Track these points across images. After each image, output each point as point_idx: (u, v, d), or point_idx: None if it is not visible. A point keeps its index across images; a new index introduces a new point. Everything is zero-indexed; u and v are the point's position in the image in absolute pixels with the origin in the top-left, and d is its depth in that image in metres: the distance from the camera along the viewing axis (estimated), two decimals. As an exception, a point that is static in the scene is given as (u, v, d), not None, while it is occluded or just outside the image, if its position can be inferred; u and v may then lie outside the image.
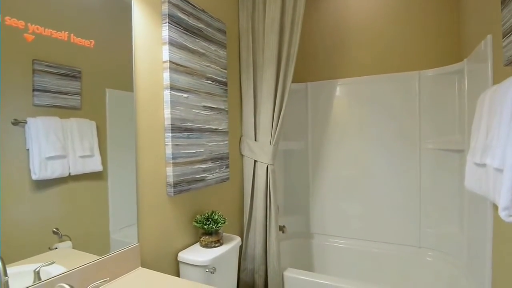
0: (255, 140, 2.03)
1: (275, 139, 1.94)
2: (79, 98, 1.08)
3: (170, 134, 1.43)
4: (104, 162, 1.16)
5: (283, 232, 2.35)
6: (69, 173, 1.05)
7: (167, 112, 1.43)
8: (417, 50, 2.25)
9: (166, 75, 1.43)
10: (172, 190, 1.44)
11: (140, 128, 1.33)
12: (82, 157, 1.09)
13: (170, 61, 1.43)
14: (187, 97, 1.53)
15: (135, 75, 1.30)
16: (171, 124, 1.43)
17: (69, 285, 0.80)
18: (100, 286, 1.09)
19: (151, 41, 1.39)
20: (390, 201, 2.34)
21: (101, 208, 1.16)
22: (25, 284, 0.91)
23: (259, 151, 1.98)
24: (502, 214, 0.96)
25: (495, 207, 1.41)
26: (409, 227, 2.29)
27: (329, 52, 2.55)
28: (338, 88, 2.50)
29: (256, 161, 2.01)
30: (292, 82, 2.68)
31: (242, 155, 2.10)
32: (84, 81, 1.09)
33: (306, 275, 1.91)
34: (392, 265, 2.30)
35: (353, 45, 2.46)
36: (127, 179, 1.26)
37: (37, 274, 0.96)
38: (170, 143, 1.43)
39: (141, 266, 1.31)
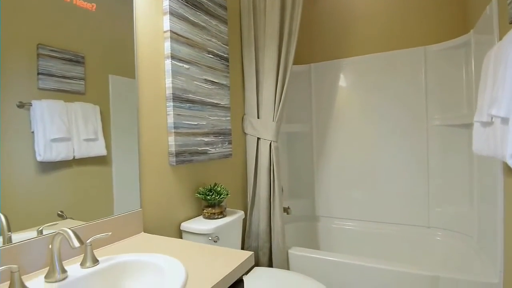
0: (258, 117, 2.03)
1: (277, 116, 1.95)
2: (83, 83, 1.10)
3: (172, 104, 1.45)
4: (108, 147, 1.18)
5: (287, 214, 2.34)
6: (74, 156, 1.07)
7: (168, 82, 1.45)
8: (422, 23, 2.23)
9: (167, 44, 1.45)
10: (174, 159, 1.46)
11: (142, 97, 1.35)
12: (86, 140, 1.11)
13: (171, 30, 1.45)
14: (188, 68, 1.54)
15: (136, 45, 1.32)
16: (172, 94, 1.44)
17: (70, 229, 0.82)
18: (102, 238, 1.10)
19: (152, 10, 1.41)
20: (397, 181, 2.32)
21: (106, 192, 1.18)
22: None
23: (262, 128, 1.98)
24: (510, 161, 0.95)
25: (506, 183, 1.39)
26: (417, 207, 2.26)
27: (332, 31, 2.55)
28: (341, 68, 2.49)
29: (259, 138, 2.01)
30: (295, 64, 2.68)
31: (245, 134, 2.11)
32: (88, 66, 1.12)
33: (311, 252, 1.90)
34: (401, 245, 2.28)
35: (355, 22, 2.45)
36: (131, 165, 1.28)
37: (40, 232, 0.98)
38: (172, 113, 1.45)
39: (144, 232, 1.33)
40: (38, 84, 0.97)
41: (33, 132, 0.95)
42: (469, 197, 2.05)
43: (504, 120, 1.02)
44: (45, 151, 0.98)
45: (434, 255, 2.14)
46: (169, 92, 1.45)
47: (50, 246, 0.85)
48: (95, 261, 0.95)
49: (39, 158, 0.97)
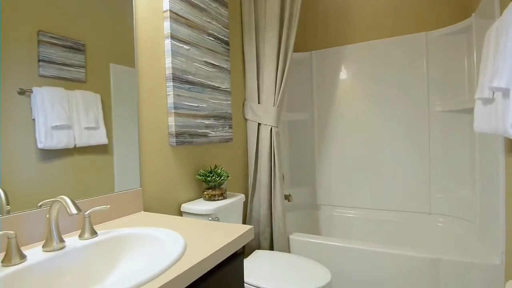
0: (259, 102, 2.02)
1: (278, 100, 1.93)
2: (84, 71, 1.09)
3: (172, 84, 1.44)
4: (109, 136, 1.17)
5: (289, 201, 2.34)
6: (75, 145, 1.06)
7: (168, 62, 1.44)
8: (424, 8, 2.20)
9: (167, 24, 1.44)
10: (174, 140, 1.45)
11: (141, 77, 1.34)
12: (87, 128, 1.10)
13: (170, 10, 1.44)
14: (188, 49, 1.53)
15: (135, 24, 1.30)
16: (172, 74, 1.43)
17: (68, 197, 0.81)
18: (101, 211, 1.10)
19: (150, -11, 1.40)
20: (399, 168, 2.31)
21: (107, 181, 1.17)
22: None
23: (263, 113, 1.97)
24: (510, 130, 0.94)
25: (508, 162, 1.38)
26: (418, 193, 2.25)
27: (333, 18, 2.53)
28: (342, 55, 2.47)
29: (260, 124, 2.00)
30: (296, 51, 2.66)
31: (245, 119, 2.10)
32: (89, 54, 1.10)
33: (311, 237, 1.89)
34: (402, 232, 2.27)
35: (357, 8, 2.43)
36: (132, 153, 1.27)
37: (39, 207, 0.98)
38: (172, 93, 1.44)
39: (144, 211, 1.33)
40: (39, 71, 0.96)
41: (34, 119, 0.95)
42: (471, 182, 2.04)
43: (505, 93, 1.01)
44: (46, 139, 0.97)
45: (435, 240, 2.13)
46: (168, 72, 1.44)
47: (47, 216, 0.85)
48: (94, 233, 0.94)
49: (40, 146, 0.96)
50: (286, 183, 2.67)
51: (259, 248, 1.97)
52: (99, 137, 1.14)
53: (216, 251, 0.84)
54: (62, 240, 0.86)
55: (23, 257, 0.77)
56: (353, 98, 2.44)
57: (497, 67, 1.03)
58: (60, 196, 0.82)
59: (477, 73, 1.79)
